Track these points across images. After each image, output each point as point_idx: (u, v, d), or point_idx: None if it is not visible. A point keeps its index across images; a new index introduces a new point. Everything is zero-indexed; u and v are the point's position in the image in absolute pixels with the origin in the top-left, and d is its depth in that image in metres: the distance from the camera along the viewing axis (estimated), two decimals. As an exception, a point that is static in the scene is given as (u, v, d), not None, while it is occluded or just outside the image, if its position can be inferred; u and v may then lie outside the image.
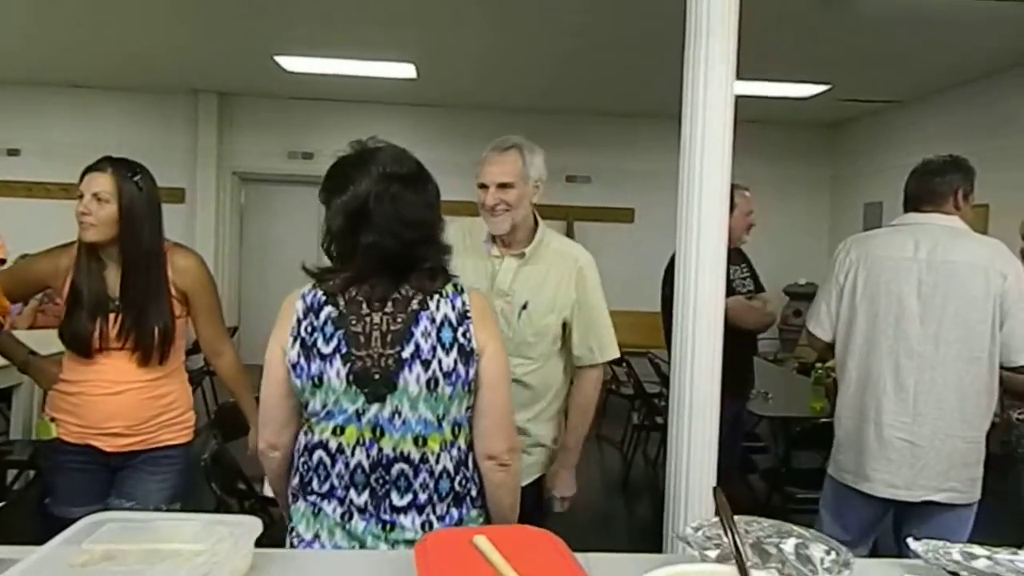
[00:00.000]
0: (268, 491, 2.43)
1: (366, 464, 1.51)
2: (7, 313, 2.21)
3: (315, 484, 1.55)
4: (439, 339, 1.50)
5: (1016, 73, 6.17)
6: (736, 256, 3.68)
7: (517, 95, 7.96)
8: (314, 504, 1.55)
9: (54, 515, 2.24)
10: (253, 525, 1.28)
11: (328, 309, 1.51)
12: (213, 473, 2.66)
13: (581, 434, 2.32)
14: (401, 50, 6.31)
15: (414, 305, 1.51)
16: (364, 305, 1.51)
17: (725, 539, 1.25)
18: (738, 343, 3.25)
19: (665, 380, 5.06)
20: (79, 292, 2.19)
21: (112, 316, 2.20)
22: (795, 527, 1.32)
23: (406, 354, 1.48)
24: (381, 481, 1.52)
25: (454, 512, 1.56)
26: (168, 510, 2.25)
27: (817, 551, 1.23)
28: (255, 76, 7.46)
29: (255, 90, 8.28)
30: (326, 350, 1.49)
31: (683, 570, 1.08)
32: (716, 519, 1.34)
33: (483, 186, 2.17)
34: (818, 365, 4.08)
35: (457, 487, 1.56)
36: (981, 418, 2.34)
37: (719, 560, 1.19)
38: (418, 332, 1.50)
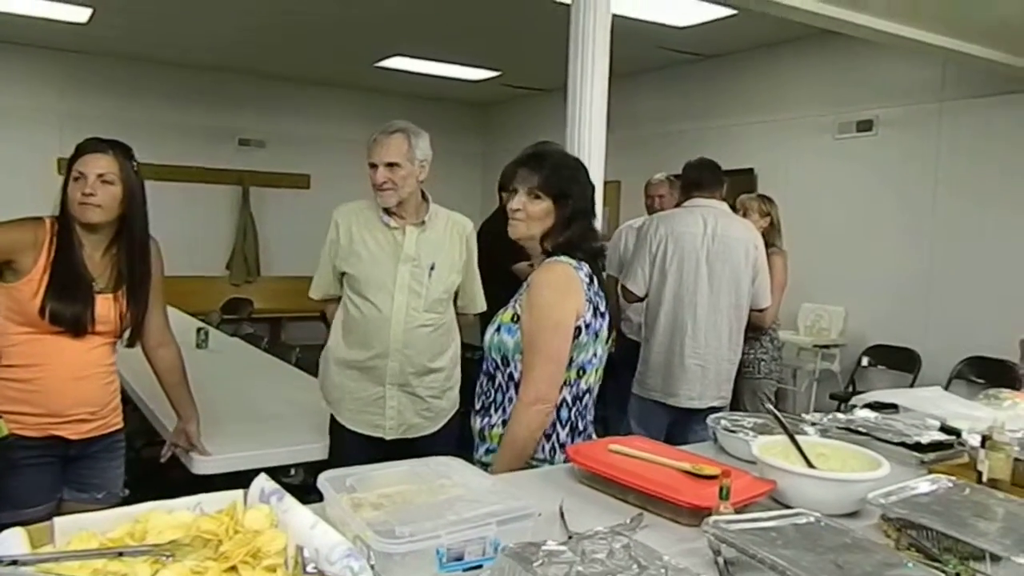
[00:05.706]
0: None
1: (596, 393, 1.95)
2: None
3: (580, 425, 1.93)
4: None
5: (638, 79, 7.83)
6: None
7: (196, 52, 7.53)
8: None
9: None
10: (458, 463, 1.54)
11: (595, 277, 1.92)
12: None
13: None
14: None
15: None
16: (595, 274, 1.94)
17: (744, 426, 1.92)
18: None
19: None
20: (71, 272, 2.04)
21: (96, 299, 2.08)
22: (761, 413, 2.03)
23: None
24: (592, 405, 1.97)
25: None
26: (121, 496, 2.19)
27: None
28: None
29: None
30: (602, 308, 1.93)
31: (775, 439, 1.70)
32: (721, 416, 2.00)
33: (373, 165, 2.44)
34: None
35: None
36: (739, 345, 3.36)
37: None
38: None
